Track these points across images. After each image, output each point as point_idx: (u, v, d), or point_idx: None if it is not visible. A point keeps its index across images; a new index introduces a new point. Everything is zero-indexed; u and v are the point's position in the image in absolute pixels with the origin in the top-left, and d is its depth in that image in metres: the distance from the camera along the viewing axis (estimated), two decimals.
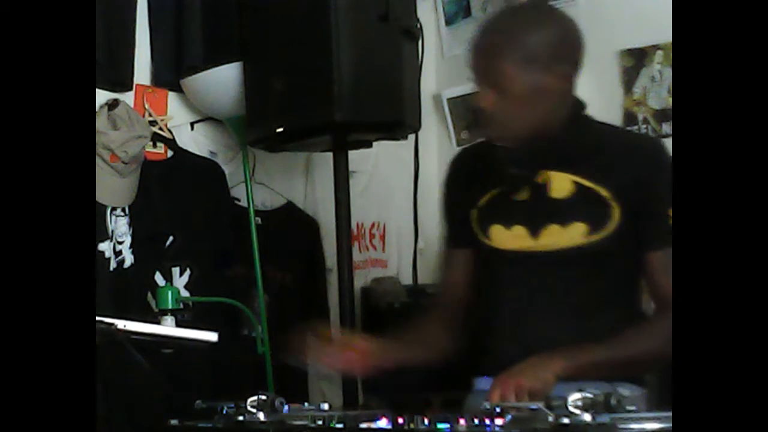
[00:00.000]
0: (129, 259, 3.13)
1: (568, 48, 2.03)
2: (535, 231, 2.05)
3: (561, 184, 2.04)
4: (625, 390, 1.94)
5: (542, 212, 2.04)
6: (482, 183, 2.12)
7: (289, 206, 3.56)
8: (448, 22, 3.77)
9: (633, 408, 1.55)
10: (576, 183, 2.03)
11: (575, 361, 1.89)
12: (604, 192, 2.02)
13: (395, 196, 3.75)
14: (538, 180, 2.05)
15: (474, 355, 2.10)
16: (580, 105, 2.12)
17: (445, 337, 2.20)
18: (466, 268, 2.20)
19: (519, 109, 2.00)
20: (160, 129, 3.30)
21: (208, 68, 3.21)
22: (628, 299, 2.11)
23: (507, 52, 1.97)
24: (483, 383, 2.09)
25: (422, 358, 2.18)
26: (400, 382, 2.15)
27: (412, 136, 3.12)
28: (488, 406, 1.60)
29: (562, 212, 2.03)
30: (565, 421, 1.49)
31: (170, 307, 2.67)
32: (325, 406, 1.87)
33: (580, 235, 2.02)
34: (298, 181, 3.64)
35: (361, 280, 3.58)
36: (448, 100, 3.73)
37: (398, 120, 2.92)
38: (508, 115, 2.01)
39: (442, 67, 3.79)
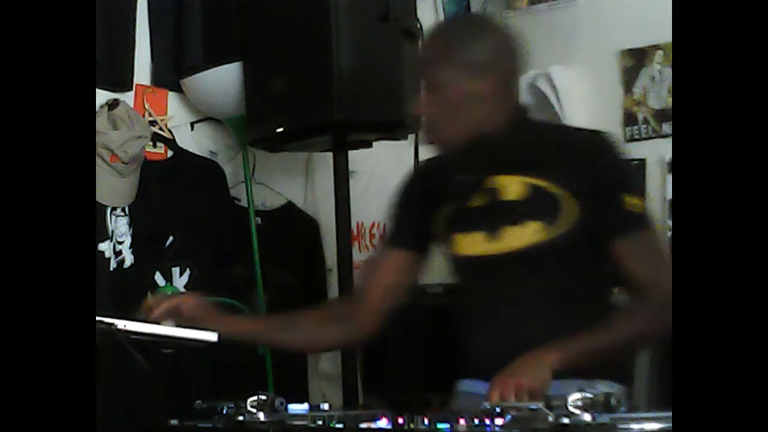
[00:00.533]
0: (129, 259, 3.13)
1: (502, 57, 2.11)
2: (493, 234, 2.09)
3: (512, 186, 2.09)
4: (604, 387, 1.96)
5: (497, 215, 2.09)
6: (439, 196, 2.18)
7: (289, 206, 3.56)
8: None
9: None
10: (526, 183, 2.08)
11: (567, 353, 1.92)
12: (554, 188, 2.06)
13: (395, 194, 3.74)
14: (490, 185, 2.10)
15: (456, 358, 2.12)
16: (522, 110, 2.18)
17: (327, 333, 2.26)
18: (397, 270, 2.25)
19: (453, 114, 2.07)
20: (160, 129, 3.30)
21: (208, 68, 3.22)
22: (597, 290, 2.14)
23: (442, 60, 2.07)
24: (466, 385, 2.13)
25: (281, 342, 2.26)
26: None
27: (412, 136, 3.12)
28: (488, 406, 1.60)
29: (516, 213, 2.07)
30: (565, 421, 1.49)
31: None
32: (325, 406, 1.87)
33: (535, 233, 2.06)
34: (298, 181, 3.65)
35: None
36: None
37: (398, 120, 2.92)
38: (443, 119, 2.08)
39: None
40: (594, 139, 2.17)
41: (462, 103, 2.06)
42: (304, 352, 2.40)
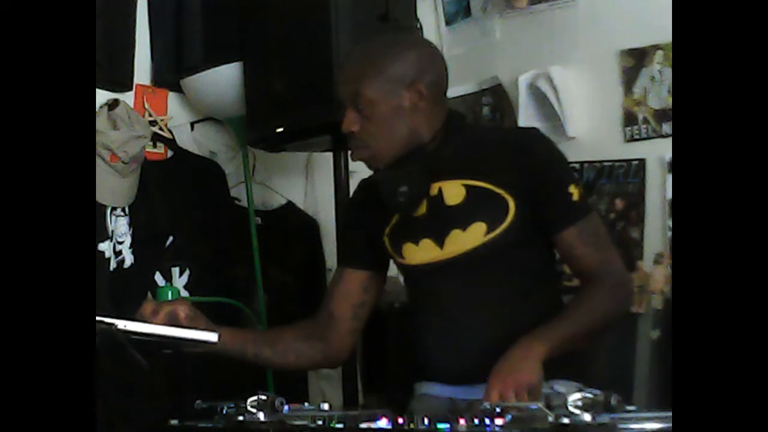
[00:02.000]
0: (129, 259, 3.13)
1: (422, 70, 2.13)
2: (440, 240, 2.12)
3: (453, 191, 2.11)
4: (560, 387, 1.99)
5: (442, 221, 2.11)
6: (383, 212, 2.20)
7: (289, 206, 3.56)
8: (448, 22, 3.77)
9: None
10: (467, 186, 2.11)
11: (551, 341, 1.93)
12: (496, 188, 2.09)
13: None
14: (432, 193, 2.12)
15: (413, 361, 2.15)
16: (454, 117, 2.21)
17: (301, 350, 2.25)
18: (357, 289, 2.27)
19: (379, 130, 2.10)
20: (160, 129, 3.30)
21: (208, 68, 3.21)
22: (548, 283, 2.18)
23: (363, 77, 2.10)
24: (424, 387, 2.17)
25: (258, 359, 2.23)
26: None
27: None
28: (488, 406, 1.60)
29: (460, 217, 2.09)
30: (565, 421, 1.49)
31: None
32: (325, 406, 1.87)
33: (480, 234, 2.08)
34: (298, 181, 3.64)
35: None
36: (448, 100, 3.73)
37: None
38: (370, 136, 2.11)
39: None
40: (527, 136, 2.22)
41: (386, 118, 2.10)
42: (285, 369, 2.40)
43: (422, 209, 2.13)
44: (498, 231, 2.07)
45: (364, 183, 2.34)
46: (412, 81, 2.10)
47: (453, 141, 2.15)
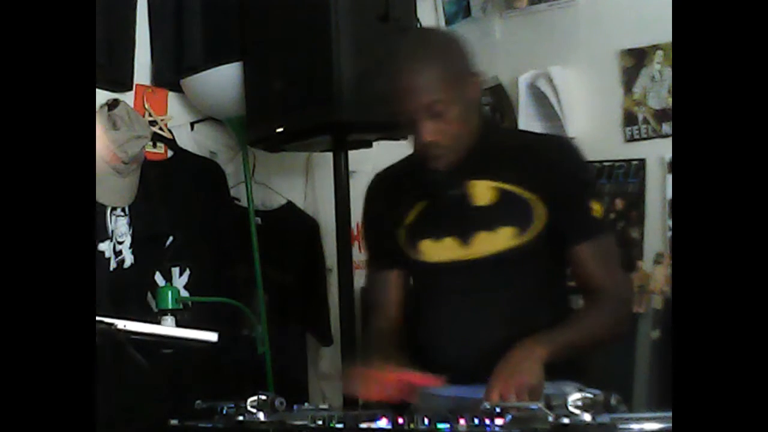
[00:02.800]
0: (129, 259, 3.13)
1: (468, 57, 2.09)
2: (465, 240, 2.09)
3: (483, 191, 2.09)
4: (567, 387, 1.97)
5: (469, 221, 2.09)
6: (404, 203, 2.17)
7: (289, 206, 3.56)
8: (448, 22, 3.77)
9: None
10: (498, 189, 2.09)
11: (553, 345, 1.94)
12: (525, 194, 2.07)
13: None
14: (461, 190, 2.10)
15: (418, 361, 2.08)
16: (486, 115, 2.18)
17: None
18: (397, 288, 2.25)
19: (459, 128, 2.06)
20: (160, 129, 3.30)
21: (208, 68, 3.22)
22: (560, 293, 2.17)
23: (437, 81, 2.01)
24: (429, 387, 2.09)
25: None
26: None
27: (411, 137, 3.12)
28: (488, 406, 1.60)
29: (489, 218, 2.07)
30: (565, 421, 1.49)
31: (170, 307, 2.67)
32: (325, 406, 1.87)
33: (508, 238, 2.06)
34: (298, 181, 3.65)
35: (361, 280, 3.58)
36: None
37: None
38: (452, 137, 2.05)
39: None
40: (559, 145, 2.20)
41: (463, 116, 2.05)
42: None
43: (449, 207, 2.11)
44: (526, 236, 2.05)
45: (380, 175, 2.31)
46: (474, 71, 2.08)
47: (489, 140, 2.11)
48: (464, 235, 2.09)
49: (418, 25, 3.08)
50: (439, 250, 2.12)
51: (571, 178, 2.08)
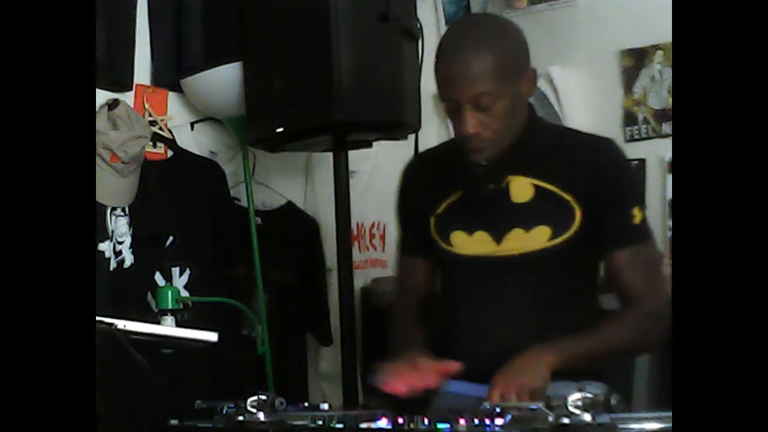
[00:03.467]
0: (129, 259, 3.13)
1: (525, 51, 2.06)
2: (498, 236, 2.07)
3: (522, 188, 2.06)
4: (591, 388, 1.96)
5: (505, 217, 2.06)
6: (439, 189, 2.14)
7: (289, 206, 3.56)
8: (448, 22, 3.77)
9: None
10: (537, 186, 2.06)
11: (564, 353, 1.92)
12: (565, 194, 2.05)
13: (395, 196, 3.75)
14: (499, 185, 2.07)
15: (440, 358, 2.07)
16: (532, 108, 2.16)
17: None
18: (425, 276, 2.24)
19: (504, 123, 2.02)
20: (160, 129, 3.30)
21: (208, 68, 3.22)
22: (590, 297, 2.15)
23: (486, 72, 1.97)
24: (451, 386, 2.09)
25: None
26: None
27: (412, 136, 3.12)
28: (488, 406, 1.60)
29: (525, 216, 2.05)
30: (565, 421, 1.49)
31: (170, 307, 2.66)
32: (325, 406, 1.87)
33: (544, 238, 2.04)
34: (298, 181, 3.65)
35: (361, 280, 3.59)
36: None
37: (398, 120, 2.92)
38: (496, 131, 2.01)
39: None
40: (604, 147, 2.14)
41: (509, 110, 2.01)
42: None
43: (486, 200, 2.08)
44: (562, 238, 2.03)
45: (417, 160, 2.28)
46: (527, 66, 2.04)
47: (531, 134, 2.08)
48: (498, 231, 2.06)
49: (418, 26, 3.07)
50: (471, 243, 2.09)
51: (612, 182, 2.05)
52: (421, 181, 2.22)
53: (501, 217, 2.07)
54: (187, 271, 3.22)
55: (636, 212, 2.05)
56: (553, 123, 2.13)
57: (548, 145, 2.10)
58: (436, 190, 2.16)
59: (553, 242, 2.04)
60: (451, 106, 2.02)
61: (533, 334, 1.99)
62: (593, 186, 2.04)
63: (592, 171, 2.05)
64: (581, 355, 1.95)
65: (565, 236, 2.04)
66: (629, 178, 2.15)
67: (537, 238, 2.04)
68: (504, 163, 2.06)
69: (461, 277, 2.14)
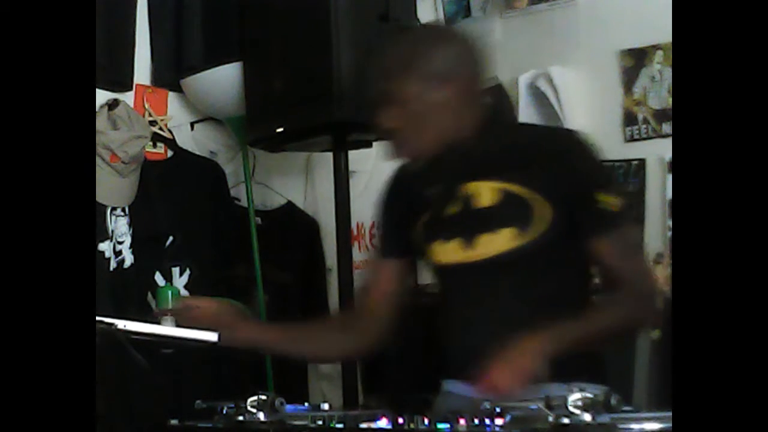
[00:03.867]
0: (129, 259, 3.13)
1: (462, 64, 2.10)
2: (469, 242, 2.09)
3: (486, 192, 2.08)
4: (584, 390, 1.97)
5: (473, 223, 2.09)
6: (414, 206, 2.18)
7: (289, 206, 3.56)
8: (448, 22, 3.77)
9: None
10: (499, 189, 2.07)
11: (558, 338, 1.92)
12: (526, 192, 2.05)
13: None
14: (464, 193, 2.09)
15: (440, 357, 2.13)
16: (491, 113, 2.17)
17: (342, 342, 2.25)
18: (394, 279, 2.26)
19: (421, 126, 2.07)
20: (160, 129, 3.30)
21: (208, 68, 3.22)
22: (576, 289, 2.13)
23: (404, 73, 2.05)
24: (451, 385, 2.13)
25: (300, 352, 2.26)
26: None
27: None
28: (488, 406, 1.60)
29: (490, 220, 2.07)
30: (565, 421, 1.49)
31: (170, 307, 2.66)
32: (325, 406, 1.87)
33: (509, 239, 2.05)
34: (298, 181, 3.65)
35: (361, 280, 3.58)
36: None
37: None
38: (411, 132, 2.07)
39: None
40: (566, 139, 2.18)
41: (428, 114, 2.06)
42: (316, 362, 2.41)
43: (455, 208, 2.11)
44: (529, 237, 2.03)
45: (398, 173, 2.32)
46: (455, 76, 2.07)
47: (490, 140, 2.10)
48: (469, 237, 2.09)
49: (417, 25, 3.07)
50: (447, 252, 2.12)
51: (577, 171, 2.05)
52: (401, 194, 2.26)
53: (469, 223, 2.09)
54: (187, 271, 3.22)
55: (609, 198, 2.04)
56: (513, 122, 2.18)
57: (508, 146, 2.11)
58: (413, 206, 2.19)
59: (519, 242, 2.04)
60: (376, 103, 2.10)
61: (518, 333, 2.00)
62: (560, 180, 2.04)
63: (557, 165, 2.05)
64: (575, 339, 1.95)
65: (531, 234, 2.04)
66: (596, 167, 2.12)
67: (503, 240, 2.06)
68: (463, 171, 2.09)
69: (444, 285, 2.20)
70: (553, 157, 2.07)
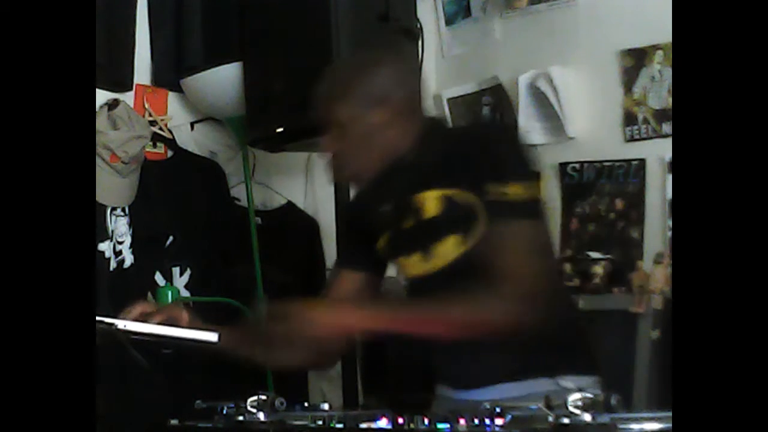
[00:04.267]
0: (129, 259, 3.13)
1: (394, 86, 2.14)
2: (426, 254, 2.11)
3: (430, 202, 2.09)
4: (568, 382, 1.99)
5: (426, 235, 2.10)
6: (374, 225, 2.21)
7: (289, 206, 3.56)
8: (448, 22, 3.77)
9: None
10: (441, 197, 2.08)
11: (363, 313, 1.98)
12: (464, 196, 2.05)
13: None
14: (414, 206, 2.11)
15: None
16: (430, 125, 2.19)
17: (296, 351, 2.23)
18: (353, 289, 2.27)
19: (358, 149, 2.12)
20: (160, 129, 3.30)
21: (208, 68, 3.22)
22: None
23: (338, 98, 2.14)
24: (442, 390, 2.18)
25: (253, 356, 2.27)
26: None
27: None
28: (488, 407, 1.60)
29: (439, 229, 2.08)
30: (565, 421, 1.49)
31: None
32: (325, 406, 1.87)
33: (456, 246, 2.05)
34: (298, 181, 3.65)
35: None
36: (448, 100, 3.74)
37: None
38: (349, 156, 2.13)
39: (442, 67, 3.80)
40: (482, 134, 2.20)
41: (362, 137, 2.11)
42: (280, 369, 2.41)
43: (409, 222, 2.12)
44: (473, 241, 2.02)
45: (353, 197, 2.36)
46: (383, 99, 2.11)
47: (429, 151, 2.12)
48: (425, 249, 2.11)
49: (418, 26, 3.07)
50: (410, 265, 2.15)
51: (482, 164, 2.03)
52: (357, 219, 2.29)
53: (423, 235, 2.11)
54: (187, 271, 3.22)
55: (510, 189, 1.98)
56: (450, 127, 2.22)
57: (444, 153, 2.11)
58: (372, 226, 2.21)
59: (465, 247, 2.04)
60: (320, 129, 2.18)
61: (482, 338, 1.99)
62: (477, 176, 2.02)
63: (477, 162, 2.04)
64: (389, 320, 1.98)
65: (477, 238, 2.03)
66: (504, 156, 2.05)
67: (452, 248, 2.06)
68: (409, 185, 2.11)
69: (414, 296, 2.22)
70: (473, 155, 2.06)
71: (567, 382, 2.01)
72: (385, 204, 2.15)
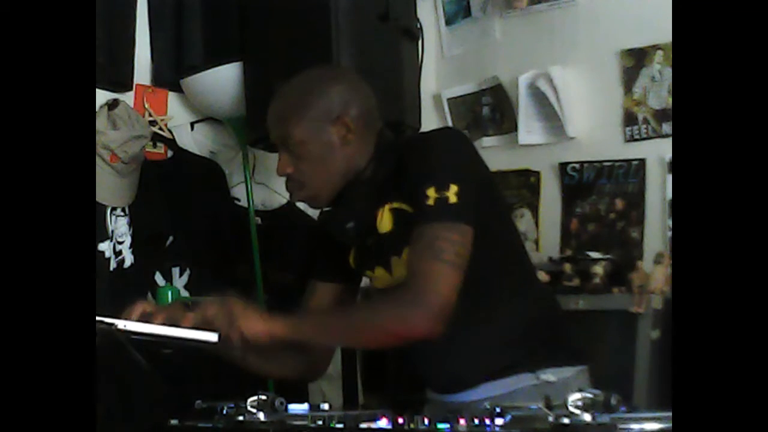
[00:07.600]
0: (129, 259, 3.13)
1: (347, 102, 2.11)
2: (388, 268, 2.12)
3: (386, 217, 2.09)
4: (549, 375, 2.03)
5: (385, 249, 2.10)
6: (343, 237, 2.19)
7: (289, 206, 3.56)
8: (448, 22, 3.78)
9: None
10: (393, 210, 2.08)
11: (279, 326, 1.99)
12: (408, 207, 2.04)
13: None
14: (374, 220, 2.10)
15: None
16: (387, 138, 2.17)
17: (285, 360, 2.26)
18: (329, 301, 2.27)
19: (315, 167, 2.11)
20: (160, 129, 3.30)
21: (208, 68, 3.22)
22: (492, 286, 2.10)
23: (291, 118, 2.11)
24: (431, 394, 2.19)
25: (244, 361, 2.26)
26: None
27: None
28: (488, 407, 1.60)
29: (393, 243, 2.07)
30: (565, 421, 1.49)
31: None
32: (325, 406, 1.87)
33: None
34: None
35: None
36: (448, 100, 3.74)
37: (398, 120, 2.92)
38: (308, 174, 2.13)
39: (442, 67, 3.80)
40: (419, 144, 2.16)
41: (318, 156, 2.10)
42: (270, 377, 2.41)
43: (371, 238, 2.12)
44: None
45: (320, 216, 2.35)
46: (337, 116, 2.09)
47: (382, 165, 2.11)
48: (386, 264, 2.11)
49: (418, 26, 3.07)
50: (378, 279, 2.16)
51: (414, 171, 2.02)
52: (326, 238, 2.26)
53: (383, 250, 2.11)
54: (187, 271, 3.22)
55: (434, 192, 1.96)
56: (404, 141, 2.23)
57: (395, 166, 2.09)
58: (340, 240, 2.20)
59: None
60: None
61: (458, 342, 2.02)
62: (411, 183, 2.01)
63: (409, 170, 2.04)
64: (302, 331, 2.01)
65: None
66: (435, 159, 2.03)
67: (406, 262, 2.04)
68: (370, 201, 2.10)
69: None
70: (410, 165, 2.05)
71: (548, 375, 2.03)
72: (348, 221, 2.14)
